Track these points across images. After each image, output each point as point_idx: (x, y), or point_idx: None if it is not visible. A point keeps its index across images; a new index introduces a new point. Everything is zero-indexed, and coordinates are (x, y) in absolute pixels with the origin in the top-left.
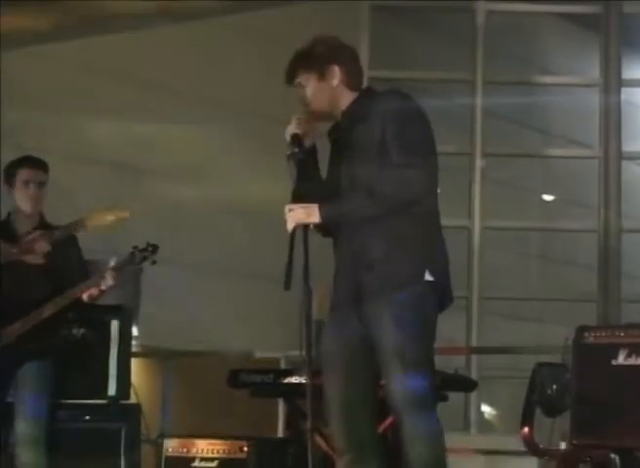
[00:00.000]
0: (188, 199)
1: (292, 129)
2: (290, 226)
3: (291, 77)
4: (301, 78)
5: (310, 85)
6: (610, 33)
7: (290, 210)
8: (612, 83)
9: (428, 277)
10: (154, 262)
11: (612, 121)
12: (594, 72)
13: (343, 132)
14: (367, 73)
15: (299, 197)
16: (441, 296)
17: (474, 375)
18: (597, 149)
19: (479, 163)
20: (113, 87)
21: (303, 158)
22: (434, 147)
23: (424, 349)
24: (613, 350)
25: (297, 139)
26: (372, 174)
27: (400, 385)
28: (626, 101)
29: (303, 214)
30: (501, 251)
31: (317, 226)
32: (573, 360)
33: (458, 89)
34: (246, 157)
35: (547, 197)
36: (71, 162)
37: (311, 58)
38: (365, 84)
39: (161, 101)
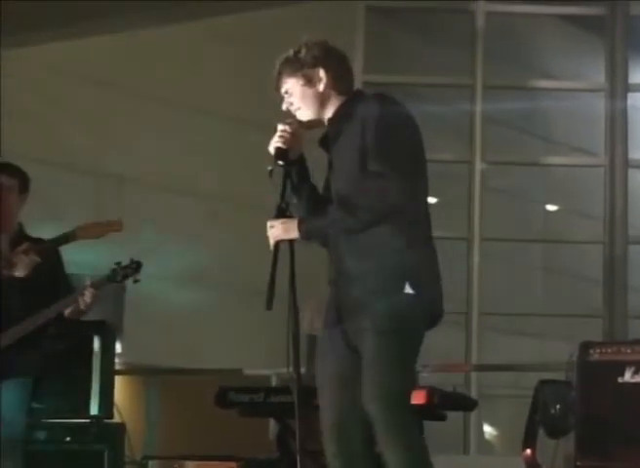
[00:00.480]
0: (173, 209)
1: (274, 143)
2: (271, 243)
3: (277, 84)
4: (287, 84)
5: (296, 90)
6: (616, 36)
7: (270, 226)
8: (618, 88)
9: (408, 290)
10: (137, 281)
11: (618, 127)
12: (599, 77)
13: (330, 139)
14: (361, 78)
15: (282, 212)
16: (429, 311)
17: (474, 394)
18: (602, 157)
19: (478, 171)
20: (90, 92)
21: (288, 171)
22: (419, 154)
23: (400, 366)
24: (619, 367)
25: (280, 153)
26: (352, 183)
27: (373, 404)
28: (633, 107)
29: (281, 231)
30: (502, 263)
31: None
32: (577, 378)
33: (456, 94)
34: (233, 165)
35: (550, 207)
36: (49, 169)
37: (296, 63)
38: (358, 88)
39: (144, 108)
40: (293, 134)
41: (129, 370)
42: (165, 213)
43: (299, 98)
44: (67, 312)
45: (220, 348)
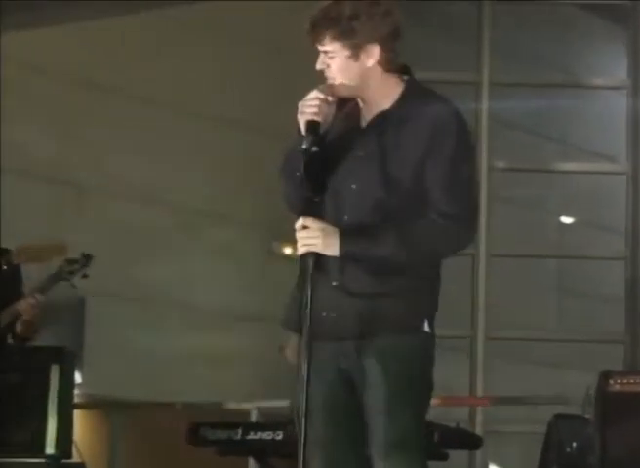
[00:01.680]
0: (140, 220)
1: (309, 114)
2: (300, 250)
3: (315, 37)
4: (329, 46)
5: (339, 59)
6: (639, 27)
7: (304, 227)
8: None
9: (427, 328)
10: (85, 276)
11: None
12: (621, 72)
13: (373, 131)
14: None
15: (313, 207)
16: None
17: (479, 430)
18: (624, 163)
19: (485, 179)
20: (49, 87)
21: (317, 151)
22: (479, 188)
23: (415, 414)
24: None
25: (313, 127)
26: (399, 202)
27: (388, 461)
28: None
29: (321, 243)
30: (512, 282)
31: None
32: (596, 412)
33: (460, 91)
34: (207, 173)
35: (566, 219)
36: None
37: (348, 28)
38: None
39: (107, 105)
40: (329, 104)
41: (90, 404)
42: (131, 224)
43: (339, 70)
44: (18, 330)
45: (192, 378)
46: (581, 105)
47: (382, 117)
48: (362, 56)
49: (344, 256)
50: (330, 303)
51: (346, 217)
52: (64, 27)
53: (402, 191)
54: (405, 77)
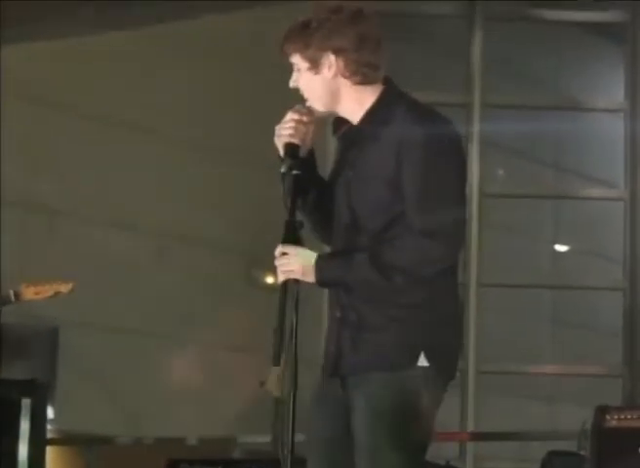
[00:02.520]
0: (115, 246)
1: (285, 136)
2: (280, 278)
3: (284, 50)
4: (292, 57)
5: (303, 74)
6: (638, 47)
7: (282, 254)
8: (639, 107)
9: (423, 362)
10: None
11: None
12: (618, 94)
13: (352, 140)
14: None
15: (293, 231)
16: (441, 375)
17: None
18: (622, 189)
19: (476, 204)
20: (20, 109)
21: (298, 176)
22: (464, 194)
23: (405, 455)
24: None
25: (291, 150)
26: (377, 218)
27: None
28: None
29: (298, 269)
30: (504, 313)
31: None
32: (592, 448)
33: (450, 113)
34: (184, 196)
35: (561, 247)
36: None
37: (303, 36)
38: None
39: (79, 128)
40: (307, 124)
41: (63, 439)
42: (103, 250)
43: (304, 84)
44: None
45: (170, 412)
46: (577, 128)
47: (345, 135)
48: (322, 67)
49: (322, 284)
50: (333, 336)
51: (334, 241)
52: (33, 47)
53: (378, 213)
54: (381, 88)
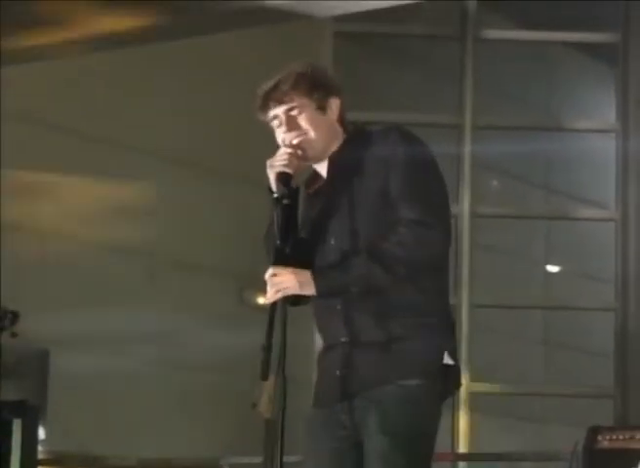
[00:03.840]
0: (106, 269)
1: (279, 166)
2: (273, 296)
3: (276, 100)
4: (294, 102)
5: (306, 114)
6: (629, 67)
7: (274, 275)
8: (631, 128)
9: (448, 360)
10: (14, 335)
11: (631, 175)
12: (610, 115)
13: (332, 180)
14: None
15: (283, 257)
16: (451, 381)
17: None
18: (613, 209)
19: (467, 225)
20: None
21: (288, 205)
22: (448, 200)
23: (423, 456)
24: (632, 457)
25: (284, 179)
26: (371, 233)
27: None
28: None
29: (295, 285)
30: (494, 334)
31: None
32: None
33: (441, 135)
34: (174, 217)
35: (552, 268)
36: None
37: (312, 82)
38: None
39: (65, 147)
40: (299, 160)
41: (55, 460)
42: (94, 272)
43: (311, 122)
44: None
45: (161, 432)
46: (568, 149)
47: (334, 160)
48: (327, 110)
49: (323, 292)
50: (343, 361)
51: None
52: (19, 66)
53: (376, 226)
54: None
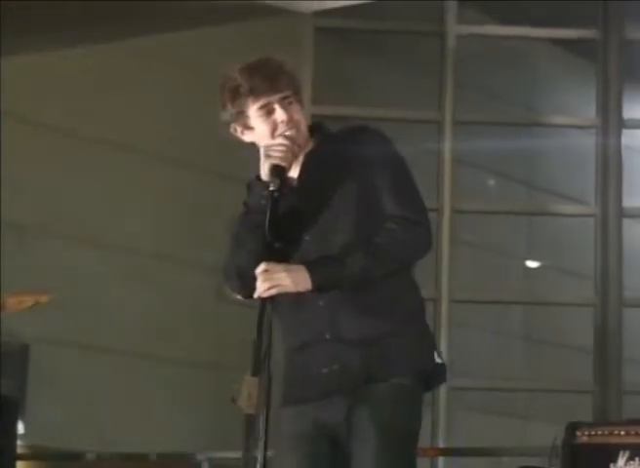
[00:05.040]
0: (85, 264)
1: (276, 158)
2: (266, 292)
3: (271, 87)
4: (283, 93)
5: (297, 106)
6: (609, 64)
7: (266, 270)
8: (611, 124)
9: (438, 359)
10: None
11: (611, 171)
12: (590, 111)
13: (308, 178)
14: (310, 109)
15: (273, 252)
16: (438, 379)
17: None
18: (593, 205)
19: (447, 221)
20: None
21: (277, 199)
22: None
23: (412, 453)
24: (611, 452)
25: (278, 172)
26: (353, 230)
27: None
28: (628, 147)
29: (289, 281)
30: (475, 329)
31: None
32: (563, 464)
33: (421, 130)
34: (156, 213)
35: (532, 263)
36: None
37: (292, 74)
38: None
39: (49, 144)
40: (294, 154)
41: (34, 455)
42: (74, 267)
43: (300, 115)
44: None
45: (140, 427)
46: (549, 145)
47: (308, 159)
48: (303, 105)
49: (320, 287)
50: (328, 358)
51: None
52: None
53: (364, 224)
54: (316, 135)
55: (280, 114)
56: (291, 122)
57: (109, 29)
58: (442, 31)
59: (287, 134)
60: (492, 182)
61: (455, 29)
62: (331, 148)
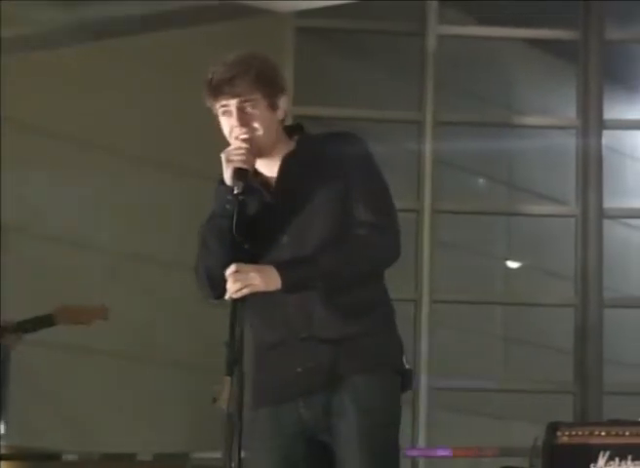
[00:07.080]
0: (68, 265)
1: (238, 161)
2: (237, 292)
3: (231, 91)
4: (249, 94)
5: (259, 110)
6: (589, 64)
7: (237, 271)
8: (591, 125)
9: (406, 364)
10: None
11: (591, 171)
12: (570, 111)
13: (285, 181)
14: (290, 110)
15: (242, 254)
16: (406, 383)
17: None
18: (573, 206)
19: (428, 221)
20: None
21: (243, 201)
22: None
23: (397, 444)
24: (592, 452)
25: (240, 175)
26: (329, 232)
27: None
28: (609, 147)
29: (260, 281)
30: (455, 330)
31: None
32: (543, 464)
33: (402, 131)
34: (139, 214)
35: (512, 264)
36: None
37: (266, 78)
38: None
39: (29, 143)
40: (255, 153)
41: (15, 455)
42: (57, 268)
43: (262, 121)
44: None
45: (122, 427)
46: (529, 146)
47: (287, 161)
48: (277, 108)
49: (289, 287)
50: (304, 356)
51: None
52: None
53: (338, 227)
54: (296, 136)
55: (234, 118)
56: (246, 126)
57: (92, 30)
58: (423, 31)
59: (241, 137)
60: (472, 183)
61: (436, 30)
62: (310, 151)
